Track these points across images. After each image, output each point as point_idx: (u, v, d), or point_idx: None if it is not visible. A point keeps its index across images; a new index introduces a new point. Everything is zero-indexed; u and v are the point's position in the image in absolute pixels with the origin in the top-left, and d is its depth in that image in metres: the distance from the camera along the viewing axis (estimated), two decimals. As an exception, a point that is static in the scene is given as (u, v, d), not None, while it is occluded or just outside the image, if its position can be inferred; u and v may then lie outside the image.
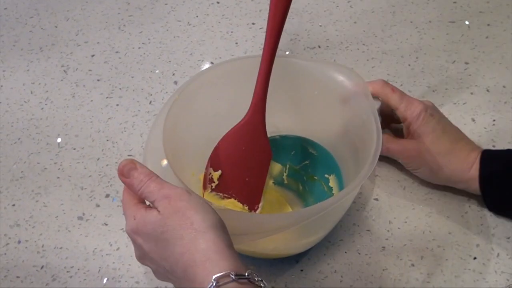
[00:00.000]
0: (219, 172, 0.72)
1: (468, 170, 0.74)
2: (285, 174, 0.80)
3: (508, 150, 0.78)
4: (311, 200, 0.78)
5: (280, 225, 0.62)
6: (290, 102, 0.80)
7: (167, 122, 0.69)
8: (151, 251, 0.55)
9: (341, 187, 0.75)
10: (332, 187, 0.76)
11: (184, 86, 0.73)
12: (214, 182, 0.73)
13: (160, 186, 0.56)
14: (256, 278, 0.51)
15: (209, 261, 0.51)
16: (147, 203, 0.59)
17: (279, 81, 0.73)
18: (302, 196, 0.79)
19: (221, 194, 0.73)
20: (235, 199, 0.73)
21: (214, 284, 0.49)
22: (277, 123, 0.79)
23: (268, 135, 0.73)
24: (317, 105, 0.78)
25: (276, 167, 0.80)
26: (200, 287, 0.50)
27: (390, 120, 0.82)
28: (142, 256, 0.58)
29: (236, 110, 0.72)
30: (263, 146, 0.72)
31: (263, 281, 0.52)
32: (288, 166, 0.81)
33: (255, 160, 0.72)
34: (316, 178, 0.78)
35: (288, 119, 0.81)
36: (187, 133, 0.74)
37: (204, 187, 0.73)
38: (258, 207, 0.73)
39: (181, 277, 0.53)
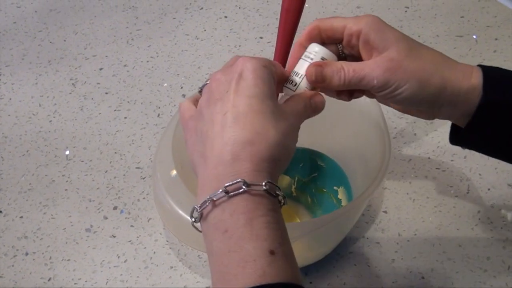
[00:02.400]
0: None
1: (467, 77, 0.55)
2: (293, 186, 0.80)
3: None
4: (319, 212, 0.77)
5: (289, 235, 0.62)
6: None
7: (176, 133, 0.69)
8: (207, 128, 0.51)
9: (350, 199, 0.75)
10: (341, 200, 0.76)
11: None
12: None
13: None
14: (277, 192, 0.49)
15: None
16: None
17: None
18: (311, 209, 0.79)
19: None
20: None
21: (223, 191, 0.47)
22: None
23: None
24: (326, 117, 0.78)
25: (284, 180, 0.80)
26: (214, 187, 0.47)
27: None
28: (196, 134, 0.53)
29: None
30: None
31: (284, 197, 0.50)
32: (296, 178, 0.80)
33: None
34: (325, 190, 0.78)
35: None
36: None
37: None
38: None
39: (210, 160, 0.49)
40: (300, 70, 0.57)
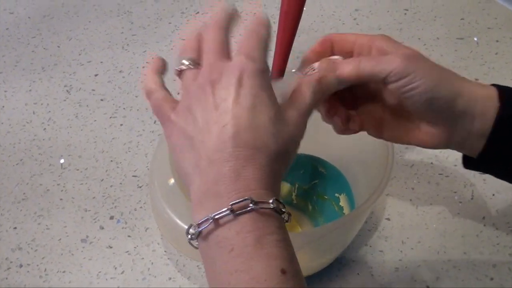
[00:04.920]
0: None
1: (482, 88, 0.55)
2: (294, 194, 0.78)
3: None
4: (321, 220, 0.76)
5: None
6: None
7: None
8: (194, 128, 0.49)
9: (352, 206, 0.73)
10: (343, 207, 0.74)
11: None
12: None
13: None
14: (282, 209, 0.47)
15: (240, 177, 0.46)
16: None
17: None
18: (312, 216, 0.77)
19: None
20: None
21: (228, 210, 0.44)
22: None
23: None
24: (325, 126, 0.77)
25: (284, 187, 0.79)
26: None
27: None
28: (183, 133, 0.50)
29: None
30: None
31: (289, 214, 0.48)
32: (297, 185, 0.79)
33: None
34: (326, 197, 0.76)
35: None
36: None
37: None
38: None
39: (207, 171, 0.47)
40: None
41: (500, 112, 0.53)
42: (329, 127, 0.76)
